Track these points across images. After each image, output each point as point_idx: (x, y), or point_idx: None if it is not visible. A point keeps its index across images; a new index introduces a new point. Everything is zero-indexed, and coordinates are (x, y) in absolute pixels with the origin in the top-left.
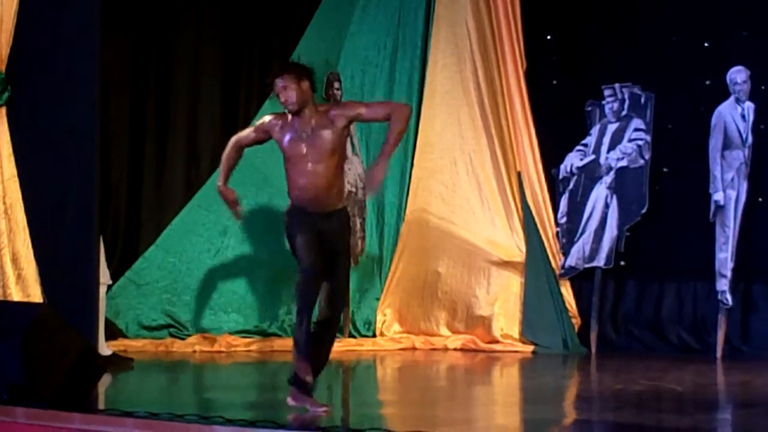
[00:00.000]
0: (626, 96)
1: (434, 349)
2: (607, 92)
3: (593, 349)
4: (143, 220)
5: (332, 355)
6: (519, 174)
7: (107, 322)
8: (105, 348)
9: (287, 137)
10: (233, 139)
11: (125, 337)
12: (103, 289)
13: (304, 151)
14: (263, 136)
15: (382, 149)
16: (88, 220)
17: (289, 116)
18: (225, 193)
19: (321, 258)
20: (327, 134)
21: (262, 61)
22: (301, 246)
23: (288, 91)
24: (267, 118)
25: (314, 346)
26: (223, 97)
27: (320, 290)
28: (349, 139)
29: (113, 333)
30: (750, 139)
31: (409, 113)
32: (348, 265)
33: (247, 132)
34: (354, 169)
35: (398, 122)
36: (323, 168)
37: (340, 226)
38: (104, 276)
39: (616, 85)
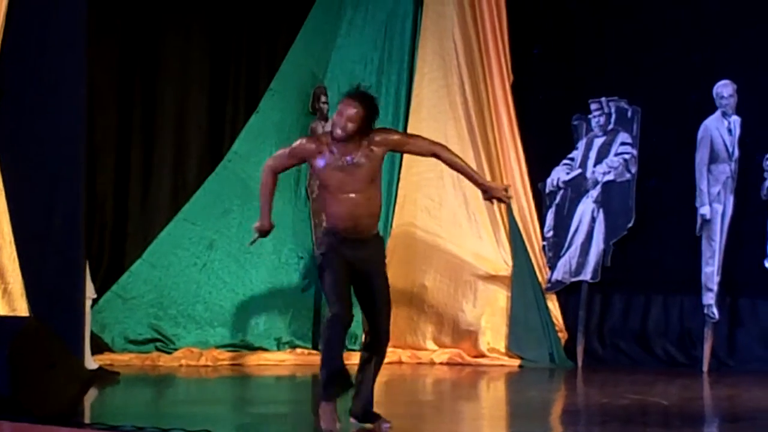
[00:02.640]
0: (613, 110)
1: (420, 363)
2: (593, 106)
3: (580, 363)
4: (129, 232)
5: (318, 369)
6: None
7: (93, 336)
8: (91, 362)
9: (323, 163)
10: (267, 167)
11: (111, 351)
12: (87, 304)
13: (344, 180)
14: (296, 162)
15: (472, 179)
16: (74, 233)
17: (327, 139)
18: (267, 218)
19: (349, 300)
20: (366, 163)
21: (249, 73)
22: (330, 284)
23: (347, 120)
24: (301, 143)
25: (361, 376)
26: (210, 110)
27: (364, 318)
28: None
29: (99, 347)
30: (736, 153)
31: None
32: (386, 285)
33: (280, 157)
34: None
35: (456, 159)
36: (363, 197)
37: (376, 251)
38: (89, 290)
39: (603, 99)
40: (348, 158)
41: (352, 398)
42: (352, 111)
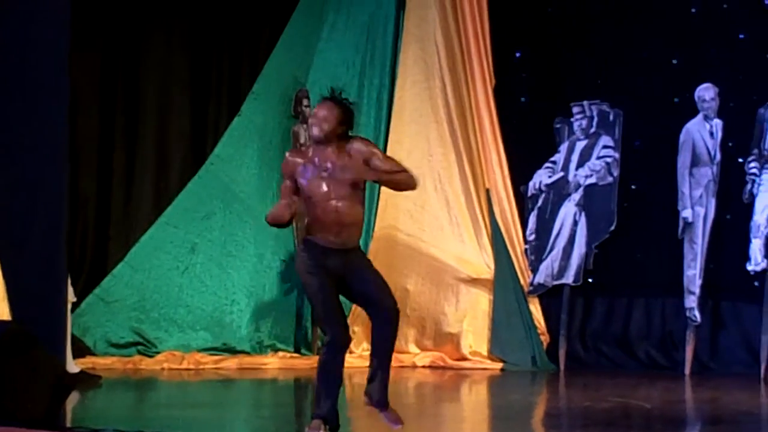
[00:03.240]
0: (595, 113)
1: (403, 367)
2: (575, 109)
3: (562, 366)
4: (112, 235)
5: (300, 373)
6: (488, 191)
7: (75, 339)
8: (73, 365)
9: (308, 175)
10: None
11: (93, 354)
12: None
13: (326, 188)
14: (294, 183)
15: (374, 167)
16: (56, 237)
17: (309, 150)
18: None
19: (344, 321)
20: (347, 170)
21: (231, 77)
22: (322, 309)
23: (324, 120)
24: (286, 159)
25: (377, 353)
26: (193, 113)
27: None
28: None
29: (81, 350)
30: (718, 157)
31: (415, 185)
32: (376, 271)
33: (282, 189)
34: None
35: (402, 177)
36: (346, 205)
37: (359, 258)
38: (69, 294)
39: (585, 103)
40: (329, 164)
41: (367, 379)
42: (325, 112)
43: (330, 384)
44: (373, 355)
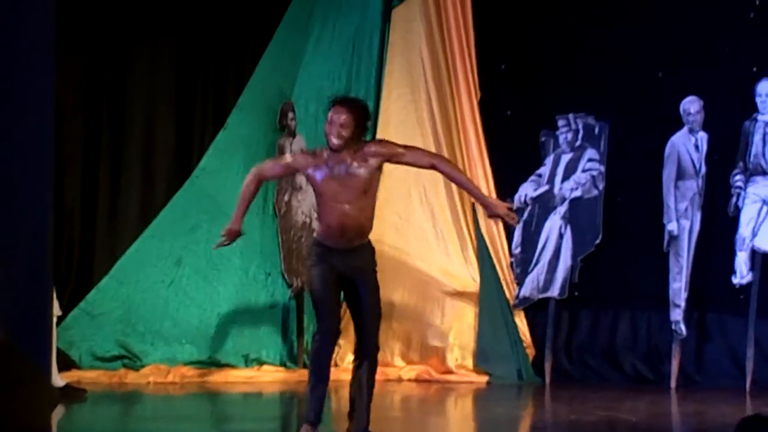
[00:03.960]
0: (580, 126)
1: (388, 380)
2: (561, 122)
3: (547, 380)
4: (97, 248)
5: (285, 386)
6: (473, 204)
7: (61, 353)
8: (58, 379)
9: (320, 174)
10: (254, 171)
11: (79, 368)
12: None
13: (337, 190)
14: (289, 172)
15: (474, 194)
16: (41, 250)
17: (324, 153)
18: (237, 224)
19: (338, 314)
20: (361, 173)
21: (217, 89)
22: (319, 299)
23: (339, 126)
24: (297, 157)
25: (354, 389)
26: (178, 125)
27: (354, 327)
28: None
29: (67, 364)
30: (703, 169)
31: (455, 164)
32: (376, 294)
33: (272, 166)
34: (308, 199)
35: (457, 173)
36: (356, 208)
37: (366, 260)
38: (54, 308)
39: (570, 116)
40: (342, 167)
41: (348, 415)
42: (342, 117)
43: (320, 376)
44: (353, 385)
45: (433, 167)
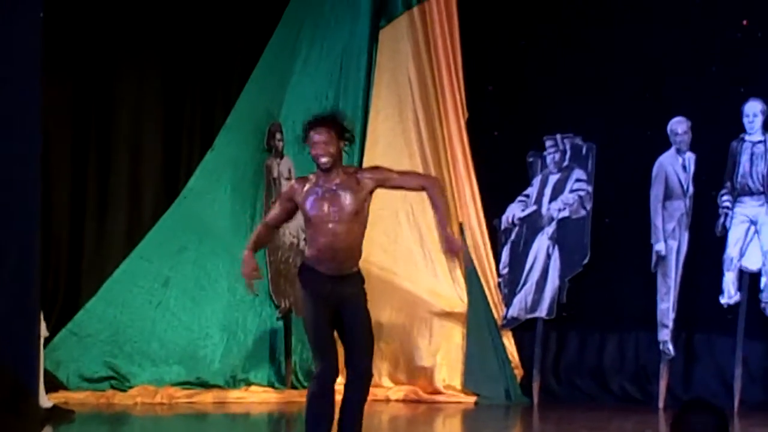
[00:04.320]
0: (568, 147)
1: (376, 400)
2: (548, 143)
3: (535, 400)
4: (85, 269)
5: (274, 407)
6: (461, 224)
7: (48, 373)
8: (46, 400)
9: (311, 198)
10: (262, 222)
11: (66, 389)
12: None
13: (326, 210)
14: (289, 206)
15: (440, 222)
16: (29, 269)
17: (313, 177)
18: (248, 262)
19: (334, 352)
20: (351, 196)
21: (204, 110)
22: (314, 337)
23: (327, 146)
24: (290, 184)
25: (344, 414)
26: (165, 147)
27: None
28: None
29: (54, 385)
30: (691, 190)
31: (444, 186)
32: (368, 321)
33: (272, 211)
34: (296, 220)
35: (441, 196)
36: (344, 230)
37: (357, 288)
38: (42, 329)
39: (558, 136)
40: (333, 186)
41: None
42: (325, 136)
43: (319, 420)
44: (342, 412)
45: (422, 189)
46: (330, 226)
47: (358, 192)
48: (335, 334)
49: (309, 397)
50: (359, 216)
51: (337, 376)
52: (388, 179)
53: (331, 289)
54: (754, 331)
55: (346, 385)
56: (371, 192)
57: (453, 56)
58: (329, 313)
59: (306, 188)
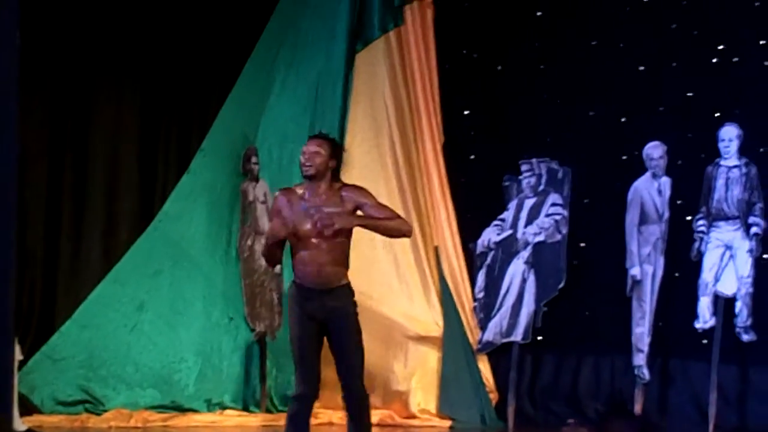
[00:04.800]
0: (543, 171)
1: None
2: (524, 167)
3: (511, 424)
4: (59, 292)
5: (248, 431)
6: (436, 248)
7: (22, 397)
8: (20, 424)
9: (295, 210)
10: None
11: (40, 412)
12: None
13: (310, 226)
14: (279, 217)
15: (365, 215)
16: (3, 292)
17: (299, 189)
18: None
19: (315, 376)
20: (335, 213)
21: (181, 132)
22: (296, 359)
23: (314, 155)
24: (276, 197)
25: None
26: (141, 168)
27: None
28: (266, 213)
29: (28, 409)
30: (666, 214)
31: (409, 232)
32: (358, 339)
33: (269, 228)
34: None
35: (395, 223)
36: (328, 246)
37: (344, 303)
38: (16, 352)
39: (534, 160)
40: (318, 202)
41: None
42: (314, 148)
43: None
44: None
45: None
46: (314, 241)
47: (341, 210)
48: (323, 348)
49: (287, 418)
50: (341, 233)
51: (315, 397)
52: (364, 205)
53: (318, 303)
54: (729, 356)
55: (345, 407)
56: (352, 212)
57: (429, 80)
58: (315, 330)
59: (291, 201)
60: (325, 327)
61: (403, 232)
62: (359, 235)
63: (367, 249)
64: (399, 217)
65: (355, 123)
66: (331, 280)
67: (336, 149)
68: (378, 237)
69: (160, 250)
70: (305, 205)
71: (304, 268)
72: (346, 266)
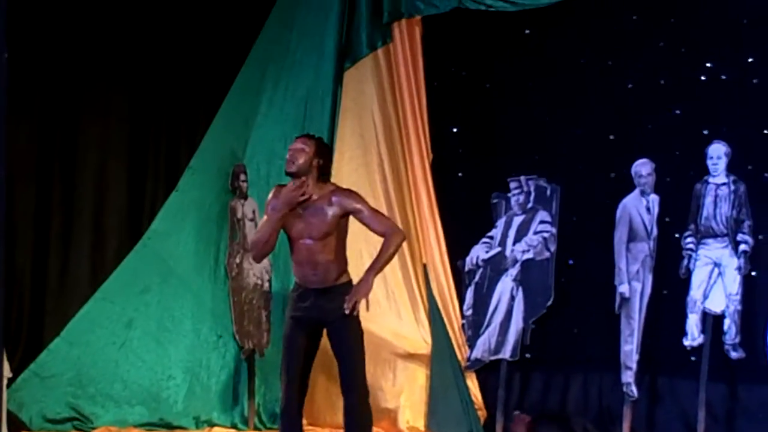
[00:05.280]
0: (532, 188)
1: None
2: (512, 184)
3: None
4: (48, 310)
5: None
6: (425, 266)
7: (11, 415)
8: None
9: (286, 204)
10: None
11: (29, 430)
12: (3, 383)
13: (302, 227)
14: (276, 215)
15: (371, 265)
16: None
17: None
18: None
19: (299, 386)
20: (323, 214)
21: (169, 151)
22: (283, 367)
23: (297, 153)
24: (268, 200)
25: None
26: (130, 187)
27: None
28: (253, 225)
29: (17, 426)
30: (655, 232)
31: (403, 241)
32: (357, 338)
33: (260, 225)
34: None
35: (392, 247)
36: (320, 246)
37: (341, 305)
38: (5, 370)
39: (522, 178)
40: (303, 198)
41: None
42: (299, 145)
43: None
44: None
45: (382, 234)
46: (306, 242)
47: (329, 212)
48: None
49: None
50: (332, 235)
51: (298, 408)
52: (357, 212)
53: (314, 302)
54: (717, 373)
55: (345, 410)
56: (343, 216)
57: (418, 97)
58: (307, 338)
59: (282, 195)
60: (322, 330)
61: (400, 245)
62: (347, 253)
63: (355, 266)
64: (391, 226)
65: (343, 141)
66: (328, 277)
67: (322, 148)
68: (365, 254)
69: (148, 267)
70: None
71: (301, 269)
72: (344, 262)
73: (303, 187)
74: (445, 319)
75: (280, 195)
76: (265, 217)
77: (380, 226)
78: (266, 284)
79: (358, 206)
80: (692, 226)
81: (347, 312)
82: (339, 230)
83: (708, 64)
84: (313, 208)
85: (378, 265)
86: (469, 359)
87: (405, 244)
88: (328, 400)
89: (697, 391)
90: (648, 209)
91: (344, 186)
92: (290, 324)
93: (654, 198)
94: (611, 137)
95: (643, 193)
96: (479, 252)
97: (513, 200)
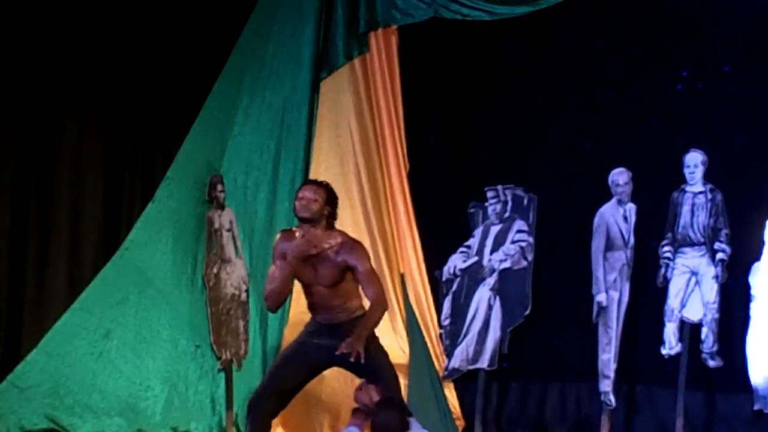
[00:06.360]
0: (509, 198)
1: None
2: (490, 194)
3: None
4: (25, 320)
5: None
6: (402, 276)
7: None
8: None
9: (296, 251)
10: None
11: None
12: None
13: (312, 275)
14: (282, 259)
15: (360, 326)
16: None
17: (298, 233)
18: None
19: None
20: (332, 266)
21: (145, 161)
22: (271, 372)
23: (310, 203)
24: (276, 241)
25: None
26: (106, 197)
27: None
28: (231, 241)
29: None
30: (632, 241)
31: (386, 310)
32: (382, 352)
33: (271, 270)
34: (237, 271)
35: (378, 312)
36: (332, 291)
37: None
38: None
39: (499, 187)
40: (314, 250)
41: None
42: (310, 193)
43: None
44: None
45: (369, 298)
46: (316, 288)
47: (336, 263)
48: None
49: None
50: (340, 282)
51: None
52: (354, 267)
53: (327, 342)
54: (695, 382)
55: None
56: (344, 268)
57: (395, 107)
58: (305, 369)
59: (291, 246)
60: (332, 362)
61: (382, 316)
62: None
63: None
64: (380, 294)
65: (320, 150)
66: (343, 315)
67: (331, 196)
68: None
69: (125, 278)
70: (304, 250)
71: (315, 307)
72: (357, 298)
73: (312, 240)
74: (423, 329)
75: (289, 243)
76: (273, 267)
77: (370, 290)
78: (244, 294)
79: (357, 264)
80: (669, 235)
81: (352, 360)
82: (346, 281)
83: (684, 73)
84: (321, 258)
85: (364, 328)
86: (446, 369)
87: (382, 253)
88: (306, 412)
89: (675, 400)
90: (625, 218)
91: None
92: (294, 347)
93: (631, 207)
94: (588, 146)
95: (620, 202)
96: (457, 261)
97: (490, 210)
